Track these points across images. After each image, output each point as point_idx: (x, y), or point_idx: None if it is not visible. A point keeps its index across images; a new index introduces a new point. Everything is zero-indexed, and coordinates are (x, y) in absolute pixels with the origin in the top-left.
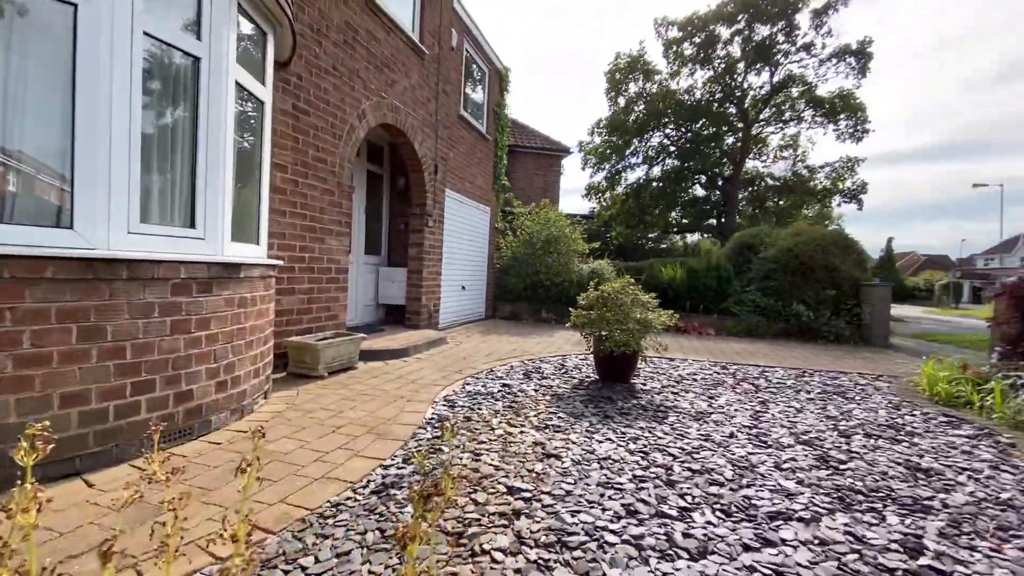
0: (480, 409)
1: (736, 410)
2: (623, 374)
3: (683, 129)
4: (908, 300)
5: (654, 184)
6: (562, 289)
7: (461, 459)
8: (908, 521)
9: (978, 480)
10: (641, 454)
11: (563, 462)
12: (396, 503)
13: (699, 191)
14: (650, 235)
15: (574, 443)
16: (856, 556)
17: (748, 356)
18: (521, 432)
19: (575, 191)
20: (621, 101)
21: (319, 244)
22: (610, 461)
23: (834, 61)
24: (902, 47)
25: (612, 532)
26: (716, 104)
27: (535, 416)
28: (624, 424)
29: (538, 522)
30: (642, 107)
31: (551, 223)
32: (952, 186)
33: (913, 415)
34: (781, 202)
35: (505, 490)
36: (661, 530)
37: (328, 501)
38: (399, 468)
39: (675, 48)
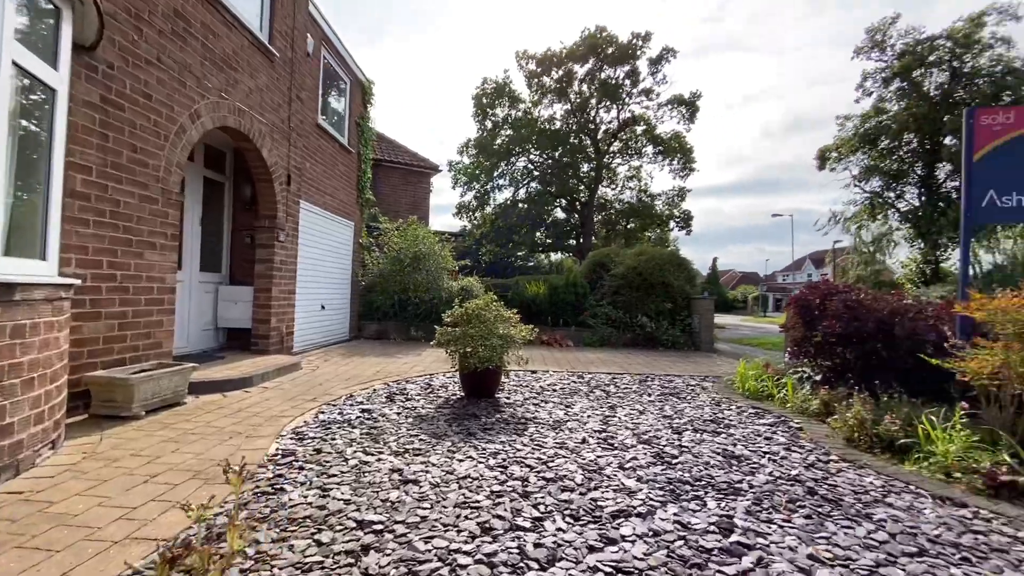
0: (334, 439)
1: (589, 416)
2: (488, 389)
3: (545, 155)
4: (730, 310)
5: (520, 205)
6: (431, 306)
7: (306, 497)
8: (723, 504)
9: (776, 461)
10: (500, 469)
11: (421, 487)
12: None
13: (560, 213)
14: (519, 253)
15: (434, 465)
16: (682, 542)
17: (601, 365)
18: (378, 460)
19: (447, 208)
20: (488, 124)
21: (136, 260)
22: (469, 480)
23: (669, 107)
24: (719, 98)
25: (465, 554)
26: (573, 135)
27: (395, 441)
28: (486, 440)
29: (388, 555)
30: (508, 131)
31: (420, 239)
32: (757, 215)
33: (730, 410)
34: (629, 225)
35: (355, 525)
36: (514, 544)
37: (130, 566)
38: (228, 517)
39: (536, 81)
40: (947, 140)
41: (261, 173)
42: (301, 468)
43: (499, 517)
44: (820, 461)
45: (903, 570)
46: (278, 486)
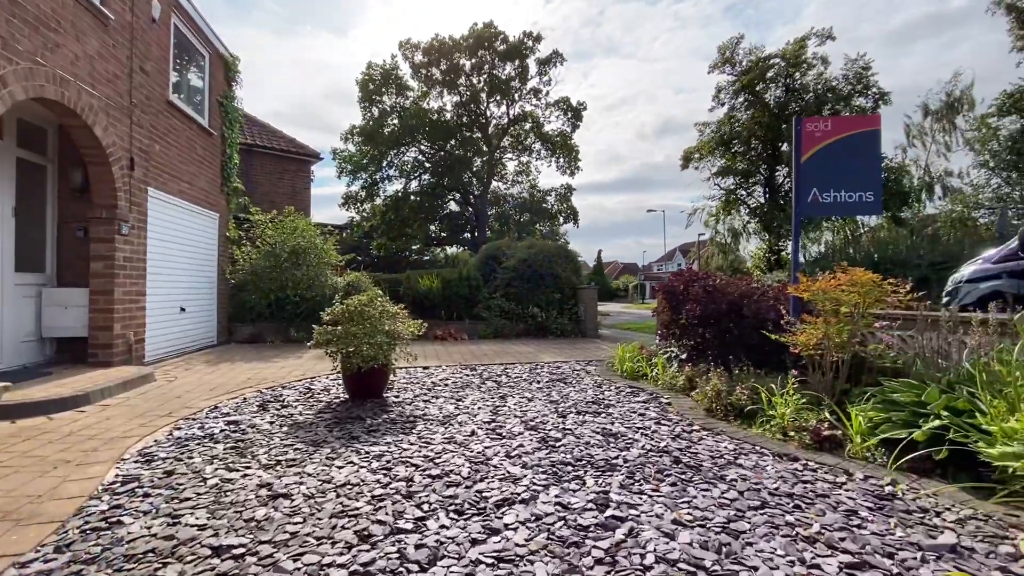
0: (191, 458)
1: (479, 408)
2: (375, 389)
3: (436, 147)
4: (613, 299)
5: (413, 197)
6: (314, 304)
7: (150, 528)
8: (600, 480)
9: (648, 435)
10: (384, 471)
11: (293, 501)
12: None
13: (454, 207)
14: (413, 247)
15: (310, 475)
16: (562, 523)
17: (494, 356)
18: (244, 476)
19: (332, 199)
20: (375, 111)
21: None
22: (348, 487)
23: (556, 108)
24: (599, 101)
25: (339, 566)
26: (465, 128)
27: (265, 454)
28: (370, 443)
29: None
30: (396, 121)
31: (299, 232)
32: (634, 211)
33: (610, 391)
34: (522, 219)
35: (210, 552)
36: (394, 548)
37: None
38: (45, 562)
39: (424, 72)
40: (783, 147)
41: (95, 155)
42: (146, 495)
43: (379, 522)
44: (685, 432)
45: (749, 523)
46: (114, 519)
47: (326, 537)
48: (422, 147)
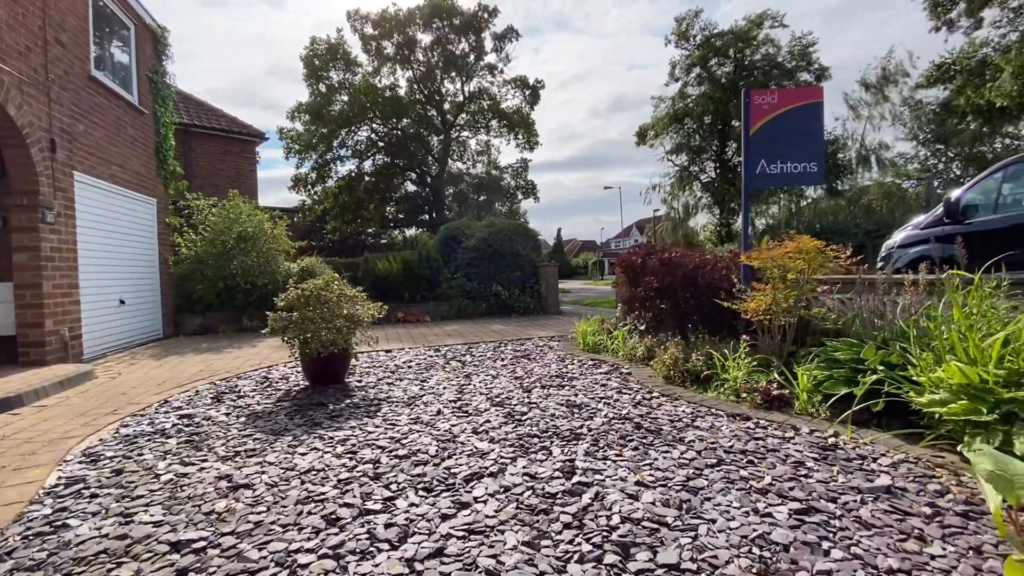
0: (141, 455)
1: (445, 388)
2: (336, 375)
3: (390, 126)
4: (573, 276)
5: (367, 178)
6: (267, 292)
7: (100, 528)
8: (566, 450)
9: (610, 404)
10: (349, 455)
11: (255, 490)
12: None
13: (411, 187)
14: (369, 230)
15: (272, 464)
16: (531, 492)
17: (458, 336)
18: (201, 470)
19: (280, 182)
20: (323, 88)
21: None
22: (313, 473)
23: (513, 86)
24: (553, 78)
25: (308, 551)
26: (420, 105)
27: (223, 446)
28: (334, 428)
29: (212, 573)
30: (346, 98)
31: (246, 217)
32: (592, 188)
33: (573, 364)
34: (481, 198)
35: (168, 548)
36: (363, 530)
37: None
38: None
39: (375, 45)
40: (734, 123)
41: (9, 137)
42: (94, 496)
43: (347, 505)
44: (645, 399)
45: (706, 480)
46: (59, 523)
47: (292, 524)
48: (374, 126)
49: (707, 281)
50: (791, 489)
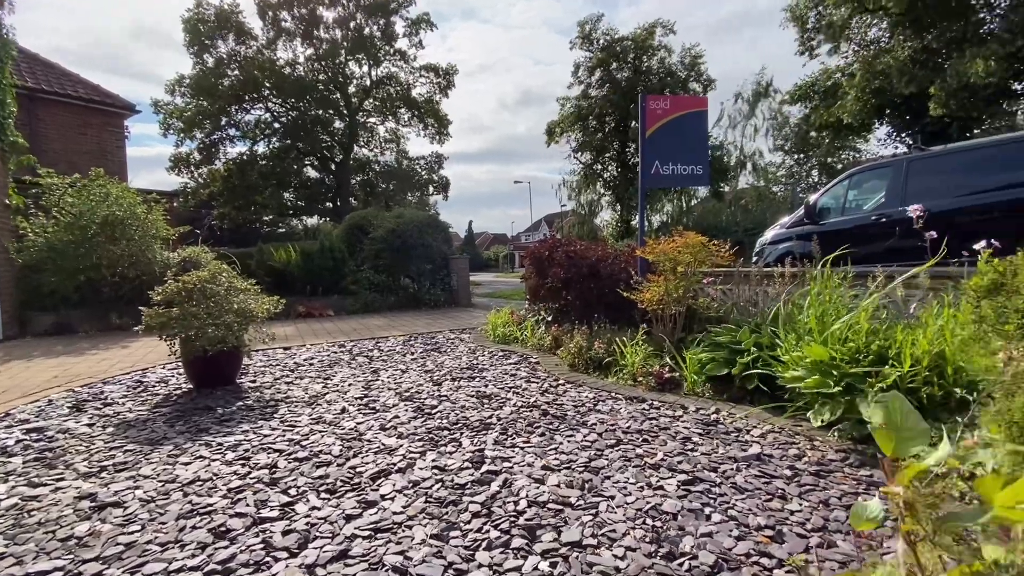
0: None
1: (350, 385)
2: (225, 375)
3: (288, 105)
4: (484, 269)
5: (262, 162)
6: (141, 285)
7: None
8: (476, 440)
9: (519, 393)
10: (242, 461)
11: (127, 508)
12: None
13: (312, 173)
14: (265, 218)
15: (148, 477)
16: (440, 485)
17: (365, 331)
18: (56, 490)
19: (155, 161)
20: (209, 60)
21: None
22: (199, 483)
23: (425, 73)
24: (461, 65)
25: (192, 569)
26: (322, 86)
27: (85, 461)
28: (223, 433)
29: None
30: (236, 72)
31: (113, 200)
32: (500, 181)
33: (484, 355)
34: (390, 188)
35: None
36: (257, 539)
37: None
38: None
39: (272, 15)
40: (633, 124)
41: None
42: None
43: (239, 515)
44: (552, 387)
45: (607, 459)
46: None
47: (172, 541)
48: (270, 104)
49: (609, 273)
50: (680, 463)
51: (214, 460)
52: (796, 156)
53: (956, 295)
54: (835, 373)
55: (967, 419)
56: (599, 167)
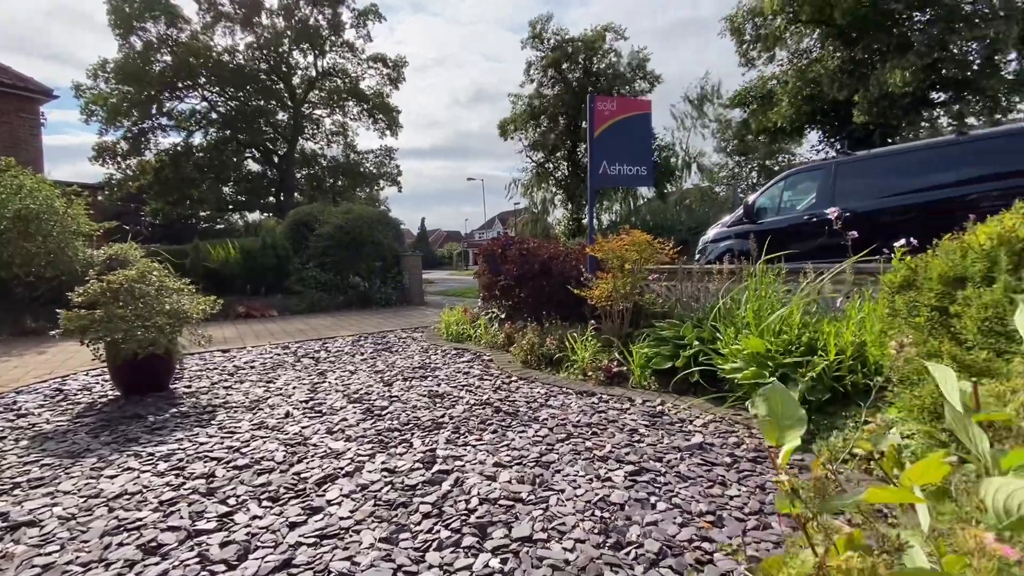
0: None
1: (295, 388)
2: (157, 381)
3: (227, 95)
4: (438, 267)
5: (198, 154)
6: (60, 285)
7: None
8: (427, 440)
9: (471, 391)
10: (176, 471)
11: (44, 527)
12: None
13: (254, 166)
14: (202, 213)
15: (67, 493)
16: (389, 487)
17: (311, 332)
18: None
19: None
20: (137, 43)
21: None
22: (127, 496)
23: (373, 64)
24: (412, 59)
25: None
26: (264, 75)
27: None
28: (155, 442)
29: None
30: (168, 57)
31: (27, 192)
32: (453, 178)
33: (437, 354)
34: (339, 183)
35: None
36: (193, 553)
37: None
38: None
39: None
40: (584, 124)
41: None
42: None
43: (172, 529)
44: (504, 384)
45: (557, 454)
46: None
47: (96, 561)
48: (206, 93)
49: (560, 270)
50: (627, 454)
51: (144, 471)
52: (737, 158)
53: (876, 290)
54: (771, 364)
55: (868, 403)
56: (551, 166)
